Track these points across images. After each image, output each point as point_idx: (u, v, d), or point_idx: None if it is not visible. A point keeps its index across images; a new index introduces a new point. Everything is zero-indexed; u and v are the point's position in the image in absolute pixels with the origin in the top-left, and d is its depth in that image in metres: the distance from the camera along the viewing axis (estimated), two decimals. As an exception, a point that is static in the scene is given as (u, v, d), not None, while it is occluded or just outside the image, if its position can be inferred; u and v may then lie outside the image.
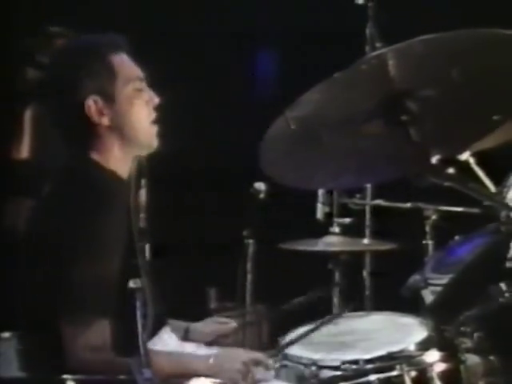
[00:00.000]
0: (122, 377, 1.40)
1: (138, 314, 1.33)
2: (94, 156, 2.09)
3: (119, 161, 2.09)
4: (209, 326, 2.36)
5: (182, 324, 2.32)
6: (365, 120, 1.62)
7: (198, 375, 1.99)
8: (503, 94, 1.66)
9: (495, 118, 1.68)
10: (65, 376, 1.43)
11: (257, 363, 2.04)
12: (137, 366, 1.29)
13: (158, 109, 2.15)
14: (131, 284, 1.39)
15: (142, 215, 1.42)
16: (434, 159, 1.62)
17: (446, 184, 1.62)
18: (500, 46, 1.59)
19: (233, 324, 2.37)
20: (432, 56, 1.58)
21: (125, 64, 2.14)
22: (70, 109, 2.09)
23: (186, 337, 2.27)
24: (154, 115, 2.14)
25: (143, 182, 1.43)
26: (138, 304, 1.34)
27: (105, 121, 2.09)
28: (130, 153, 2.11)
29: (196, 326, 2.33)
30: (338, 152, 1.69)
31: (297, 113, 1.57)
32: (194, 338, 2.28)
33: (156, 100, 2.15)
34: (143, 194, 1.43)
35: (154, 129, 2.14)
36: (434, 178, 1.60)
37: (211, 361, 2.00)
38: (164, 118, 2.19)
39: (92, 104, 2.08)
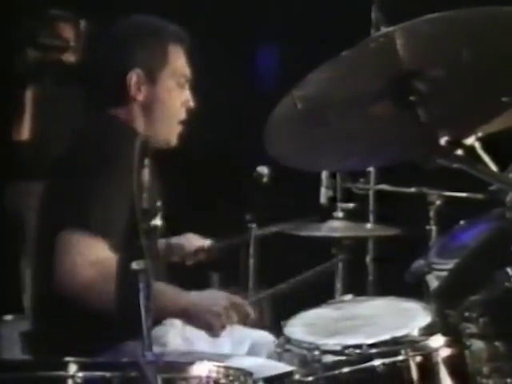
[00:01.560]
0: (124, 359, 1.39)
1: (141, 295, 1.31)
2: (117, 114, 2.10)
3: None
4: (188, 240, 2.44)
5: (161, 241, 2.35)
6: (372, 100, 1.59)
7: (175, 314, 1.96)
8: (513, 75, 1.63)
9: (504, 99, 1.65)
10: (67, 359, 1.42)
11: (237, 308, 2.02)
12: (140, 349, 1.28)
13: (190, 113, 2.17)
14: (134, 265, 1.36)
15: (145, 195, 1.39)
16: (443, 140, 1.60)
17: (454, 166, 1.59)
18: (510, 24, 1.55)
19: (208, 241, 2.48)
20: (441, 35, 1.54)
21: (178, 57, 2.16)
22: (112, 72, 2.12)
23: (166, 252, 2.30)
24: (184, 116, 2.16)
25: (146, 161, 1.40)
26: (142, 286, 1.32)
27: (140, 96, 2.11)
28: (149, 137, 2.11)
29: (176, 239, 2.41)
30: (345, 133, 1.66)
31: (304, 92, 1.55)
32: (175, 255, 2.34)
33: (191, 104, 2.17)
34: (146, 174, 1.41)
35: (179, 128, 2.16)
36: (442, 160, 1.58)
37: (188, 298, 1.98)
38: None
39: (134, 76, 2.10)
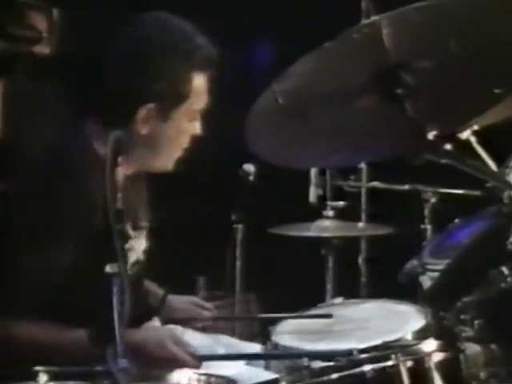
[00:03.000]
0: (97, 368, 1.38)
1: (115, 300, 1.31)
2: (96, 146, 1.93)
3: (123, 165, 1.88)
4: (184, 304, 2.30)
5: (160, 291, 2.26)
6: (357, 93, 1.59)
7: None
8: (505, 66, 1.63)
9: (497, 91, 1.66)
10: (37, 368, 1.41)
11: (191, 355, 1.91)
12: (112, 356, 1.27)
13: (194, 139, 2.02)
14: (108, 269, 1.36)
15: (119, 195, 1.39)
16: (431, 135, 1.60)
17: (443, 161, 1.59)
18: (502, 13, 1.56)
19: (209, 313, 2.31)
20: (429, 25, 1.54)
21: (200, 90, 1.95)
22: (120, 99, 1.88)
23: (160, 306, 2.18)
24: (187, 144, 2.01)
25: (120, 159, 1.40)
26: (115, 290, 1.32)
27: (144, 131, 1.91)
28: (139, 166, 2.00)
29: (172, 298, 2.28)
30: (330, 128, 1.66)
31: (285, 86, 1.54)
32: (166, 311, 2.20)
33: (198, 132, 2.01)
34: (120, 173, 1.40)
35: (178, 154, 2.01)
36: (430, 155, 1.58)
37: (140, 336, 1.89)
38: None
39: (144, 112, 1.89)
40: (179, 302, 2.30)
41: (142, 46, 1.89)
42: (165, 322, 2.20)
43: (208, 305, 2.35)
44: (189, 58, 1.91)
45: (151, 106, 1.89)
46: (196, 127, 2.02)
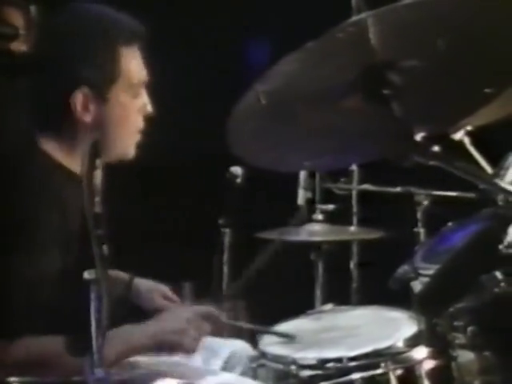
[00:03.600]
0: (74, 378, 1.39)
1: (92, 307, 1.31)
2: (49, 148, 1.98)
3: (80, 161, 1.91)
4: (150, 291, 2.32)
5: (125, 275, 2.28)
6: (343, 94, 1.60)
7: (144, 351, 1.97)
8: (496, 65, 1.64)
9: (487, 90, 1.66)
10: (11, 379, 1.41)
11: (206, 317, 2.02)
12: (88, 365, 1.28)
13: (148, 119, 2.05)
14: (86, 275, 1.37)
15: (98, 199, 1.39)
16: (419, 136, 1.60)
17: (432, 163, 1.60)
18: (492, 11, 1.57)
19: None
20: (417, 22, 1.55)
21: (133, 63, 2.00)
22: (52, 92, 1.96)
23: (126, 290, 2.23)
24: (141, 124, 2.04)
25: (98, 162, 1.40)
26: (93, 297, 1.32)
27: (87, 118, 1.96)
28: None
29: (140, 282, 2.31)
30: (315, 129, 1.66)
31: (268, 86, 1.55)
32: (134, 296, 2.25)
33: (149, 109, 2.04)
34: (99, 176, 1.41)
35: (137, 138, 2.04)
36: (417, 157, 1.58)
37: (150, 328, 1.96)
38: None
39: (80, 96, 1.95)
40: (146, 286, 2.32)
41: (62, 33, 1.99)
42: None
43: (176, 298, 2.38)
44: (112, 37, 1.98)
45: (85, 89, 1.95)
46: (143, 104, 2.04)
